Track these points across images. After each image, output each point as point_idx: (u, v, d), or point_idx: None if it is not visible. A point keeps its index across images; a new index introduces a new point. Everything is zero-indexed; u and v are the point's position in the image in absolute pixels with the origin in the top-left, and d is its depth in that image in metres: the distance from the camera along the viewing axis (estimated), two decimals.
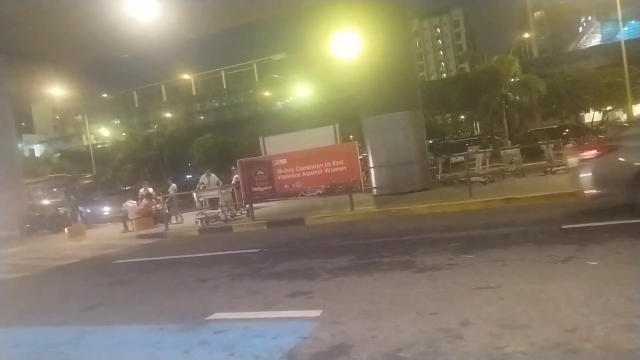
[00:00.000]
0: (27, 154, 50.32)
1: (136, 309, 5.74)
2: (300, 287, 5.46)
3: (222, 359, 3.61)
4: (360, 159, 13.30)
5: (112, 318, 5.40)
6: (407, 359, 3.16)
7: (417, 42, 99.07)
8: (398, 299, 4.55)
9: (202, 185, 16.03)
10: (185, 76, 39.07)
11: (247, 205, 14.22)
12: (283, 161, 13.38)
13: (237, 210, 15.68)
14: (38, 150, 54.46)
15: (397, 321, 3.88)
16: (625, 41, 27.49)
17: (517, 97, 31.30)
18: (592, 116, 35.58)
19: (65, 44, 20.71)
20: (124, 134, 48.43)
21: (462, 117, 46.44)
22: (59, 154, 50.41)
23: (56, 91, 25.64)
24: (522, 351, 3.02)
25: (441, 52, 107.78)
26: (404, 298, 4.55)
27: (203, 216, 14.49)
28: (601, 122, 34.80)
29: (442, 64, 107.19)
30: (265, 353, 3.59)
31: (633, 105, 27.72)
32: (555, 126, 32.97)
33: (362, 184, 12.96)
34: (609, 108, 33.70)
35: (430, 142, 32.95)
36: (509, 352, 3.03)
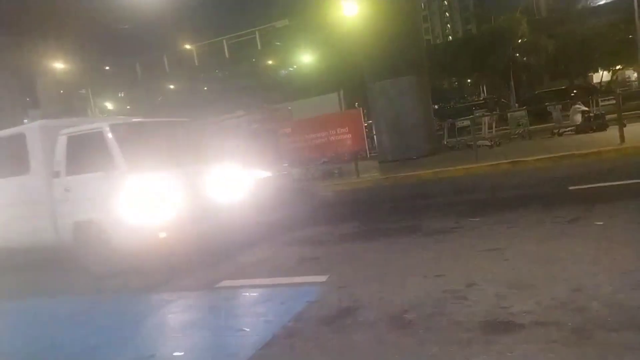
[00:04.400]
0: None
1: (147, 277, 5.83)
2: (308, 254, 5.52)
3: (232, 324, 3.69)
4: (366, 125, 13.21)
5: (125, 287, 5.51)
6: (412, 319, 3.21)
7: (423, 4, 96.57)
8: (404, 262, 4.59)
9: None
10: (187, 46, 38.55)
11: None
12: (287, 130, 13.33)
13: None
14: None
15: (403, 284, 3.93)
16: None
17: (525, 58, 30.66)
18: (601, 76, 34.88)
19: (65, 16, 20.44)
20: (128, 107, 48.18)
21: (469, 80, 45.69)
22: None
23: (59, 65, 25.46)
24: (528, 310, 3.05)
25: (447, 14, 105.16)
26: (410, 261, 4.59)
27: None
28: (610, 82, 34.14)
29: (448, 25, 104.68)
30: (275, 317, 3.66)
31: None
32: (563, 87, 32.42)
33: (368, 151, 12.91)
34: (618, 67, 32.98)
35: (436, 106, 32.55)
36: (514, 312, 3.06)
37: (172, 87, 49.03)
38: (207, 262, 6.14)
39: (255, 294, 4.38)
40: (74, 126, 6.23)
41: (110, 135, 5.70)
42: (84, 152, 5.92)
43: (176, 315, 4.20)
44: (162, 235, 5.52)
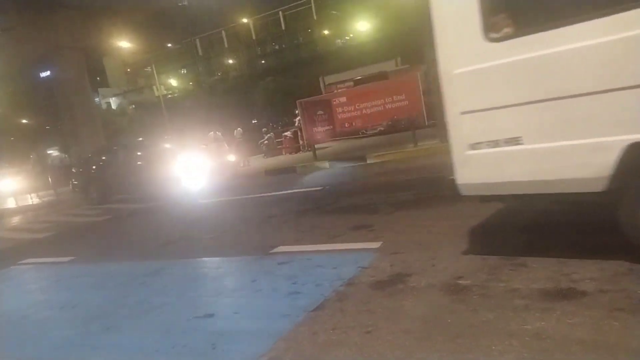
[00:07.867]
0: (104, 107, 53.43)
1: (208, 244, 6.09)
2: (362, 221, 5.50)
3: (285, 287, 3.77)
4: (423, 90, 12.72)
5: (186, 252, 5.79)
6: (467, 286, 3.13)
7: None
8: (460, 230, 4.45)
9: None
10: (244, 20, 38.90)
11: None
12: (343, 99, 13.20)
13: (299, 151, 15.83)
14: (114, 103, 57.56)
15: (458, 251, 3.82)
16: None
17: None
18: None
19: None
20: (190, 83, 49.64)
21: None
22: (133, 106, 52.93)
23: (124, 44, 26.56)
24: (592, 277, 2.87)
25: None
26: (466, 229, 4.44)
27: None
28: None
29: None
30: (326, 282, 3.69)
31: None
32: None
33: (425, 118, 12.52)
34: None
35: None
36: (576, 279, 2.90)
37: (230, 61, 49.84)
38: (263, 228, 6.30)
39: (308, 260, 4.43)
40: None
41: None
42: None
43: (233, 279, 4.36)
44: None
